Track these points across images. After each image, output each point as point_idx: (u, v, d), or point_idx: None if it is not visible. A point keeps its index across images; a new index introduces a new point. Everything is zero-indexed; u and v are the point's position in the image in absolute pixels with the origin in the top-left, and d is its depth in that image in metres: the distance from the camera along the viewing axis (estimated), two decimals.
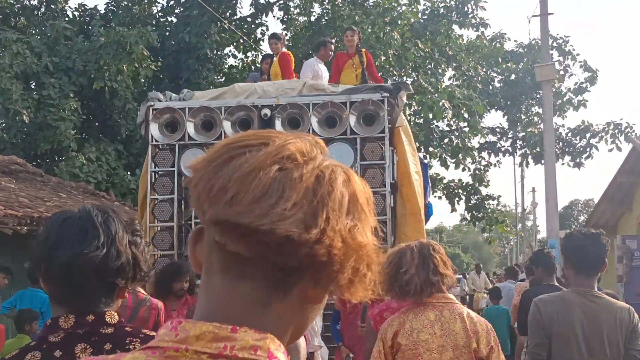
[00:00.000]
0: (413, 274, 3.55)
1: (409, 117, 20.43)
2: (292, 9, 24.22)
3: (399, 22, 19.71)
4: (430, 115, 20.34)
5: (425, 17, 23.85)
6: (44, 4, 22.85)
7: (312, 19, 23.76)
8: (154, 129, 8.18)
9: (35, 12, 22.08)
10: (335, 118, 8.07)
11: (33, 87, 17.39)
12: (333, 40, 11.10)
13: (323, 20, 23.17)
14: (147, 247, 2.05)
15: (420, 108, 19.05)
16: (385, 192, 7.81)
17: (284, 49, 10.64)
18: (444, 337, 3.52)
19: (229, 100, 8.31)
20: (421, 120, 21.39)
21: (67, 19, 21.58)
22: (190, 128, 8.12)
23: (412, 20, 21.66)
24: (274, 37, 10.70)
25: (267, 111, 8.02)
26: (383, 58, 19.27)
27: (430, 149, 22.44)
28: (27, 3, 22.74)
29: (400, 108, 8.12)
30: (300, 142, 1.09)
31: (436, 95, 18.95)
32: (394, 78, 21.61)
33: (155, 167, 8.23)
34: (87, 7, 21.82)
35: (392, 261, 3.63)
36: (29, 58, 16.90)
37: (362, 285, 1.10)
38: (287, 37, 22.85)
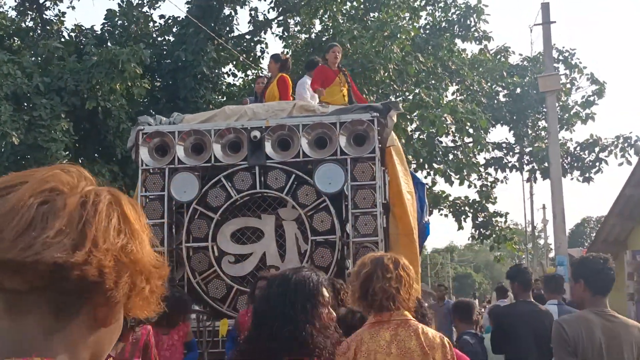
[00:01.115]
0: (381, 286, 3.66)
1: (411, 133, 20.77)
2: (292, 27, 24.67)
3: (399, 35, 20.03)
4: (434, 131, 20.67)
5: (427, 31, 24.23)
6: (40, 25, 23.34)
7: (313, 36, 24.18)
8: (143, 153, 8.49)
9: (31, 33, 22.54)
10: (326, 139, 8.37)
11: (24, 108, 17.72)
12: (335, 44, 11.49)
13: (324, 37, 23.57)
14: None
15: (422, 123, 19.34)
16: (376, 212, 8.09)
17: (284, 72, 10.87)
18: (401, 357, 3.61)
19: (219, 123, 8.62)
20: (424, 136, 21.71)
21: (62, 40, 22.04)
22: (180, 151, 8.44)
23: (413, 34, 22.01)
24: (273, 57, 10.98)
25: (256, 133, 8.33)
26: (383, 73, 19.60)
27: (435, 165, 22.74)
28: (23, 25, 23.23)
29: (390, 128, 8.44)
30: (63, 173, 1.19)
31: (438, 110, 19.25)
32: (397, 94, 22.00)
33: (145, 192, 8.54)
34: (84, 28, 22.24)
35: (361, 272, 3.76)
36: (20, 79, 17.26)
37: (142, 298, 1.21)
38: (287, 54, 23.27)
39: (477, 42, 24.59)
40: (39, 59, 18.99)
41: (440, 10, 25.06)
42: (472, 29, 24.27)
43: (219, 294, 8.33)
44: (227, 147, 8.50)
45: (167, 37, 23.25)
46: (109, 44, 20.18)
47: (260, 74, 11.46)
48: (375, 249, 8.06)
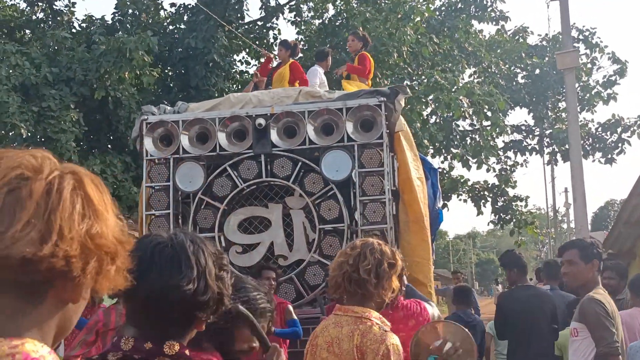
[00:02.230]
0: (359, 272, 3.44)
1: (427, 117, 20.65)
2: (304, 12, 24.57)
3: (412, 17, 19.90)
4: (450, 114, 20.54)
5: (443, 13, 24.06)
6: (50, 16, 23.42)
7: (326, 21, 24.08)
8: (148, 144, 8.49)
9: (42, 24, 22.61)
10: (332, 125, 8.32)
11: (33, 99, 17.79)
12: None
13: (337, 21, 23.48)
14: (231, 281, 2.11)
15: (437, 106, 19.23)
16: (385, 199, 8.04)
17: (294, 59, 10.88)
18: (339, 357, 3.40)
19: (224, 111, 8.60)
20: (440, 120, 21.59)
21: (73, 30, 22.11)
22: (184, 141, 8.43)
23: (427, 15, 21.85)
24: (282, 44, 11.00)
25: (261, 121, 8.30)
26: (396, 56, 19.49)
27: (452, 149, 22.63)
28: (34, 17, 23.32)
29: (398, 112, 8.36)
30: (28, 157, 1.23)
31: (454, 92, 19.11)
32: (412, 77, 21.87)
33: (150, 182, 8.55)
34: (95, 18, 22.27)
35: (339, 259, 3.57)
36: (28, 70, 17.33)
37: (108, 278, 1.27)
38: (300, 40, 23.21)
39: (494, 23, 24.40)
40: (48, 49, 19.02)
41: None
42: (489, 9, 24.07)
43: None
44: (232, 136, 8.48)
45: (178, 25, 23.22)
46: (120, 33, 20.14)
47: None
48: (385, 237, 8.03)
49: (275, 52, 19.78)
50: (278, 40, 24.11)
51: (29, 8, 23.11)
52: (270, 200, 8.49)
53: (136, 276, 1.82)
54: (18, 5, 23.64)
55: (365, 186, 8.11)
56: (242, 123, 8.43)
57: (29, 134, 17.38)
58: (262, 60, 11.12)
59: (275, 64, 11.73)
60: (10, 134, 17.10)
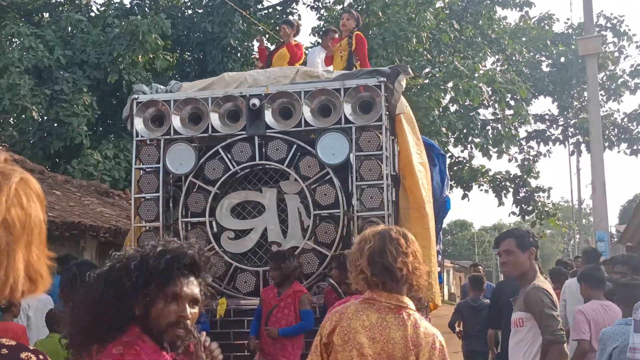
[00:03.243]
0: (403, 260, 3.25)
1: (446, 105, 20.14)
2: None
3: (432, 1, 19.37)
4: (470, 103, 20.02)
5: None
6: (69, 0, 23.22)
7: (345, 4, 23.63)
8: (138, 124, 8.14)
9: (59, 8, 22.40)
10: (329, 106, 7.90)
11: (46, 82, 17.57)
12: (333, 29, 10.98)
13: (357, 7, 23.02)
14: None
15: (456, 93, 18.71)
16: (383, 184, 7.62)
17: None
18: (382, 344, 3.23)
19: (217, 90, 8.21)
20: (460, 108, 21.07)
21: (91, 14, 21.89)
22: (176, 121, 8.06)
23: (448, 0, 21.31)
24: (286, 23, 10.64)
25: (255, 101, 7.90)
26: (416, 42, 18.98)
27: (471, 138, 22.09)
28: (52, 0, 23.13)
29: (399, 93, 7.91)
30: None
31: (474, 80, 18.58)
32: (432, 64, 21.33)
33: (140, 164, 8.20)
34: (113, 2, 21.99)
35: (369, 247, 3.32)
36: (41, 52, 17.10)
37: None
38: (320, 26, 22.80)
39: (518, 9, 23.78)
40: (63, 32, 18.78)
41: None
42: None
43: (217, 272, 7.93)
44: (225, 117, 8.09)
45: (196, 10, 22.90)
46: (138, 17, 19.86)
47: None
48: (382, 223, 7.61)
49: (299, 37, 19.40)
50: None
51: None
52: (264, 185, 8.10)
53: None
54: None
55: (362, 170, 7.68)
56: (235, 103, 8.04)
57: (41, 117, 17.18)
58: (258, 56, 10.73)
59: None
60: (22, 116, 16.90)
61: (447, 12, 23.01)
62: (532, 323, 4.50)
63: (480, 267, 17.10)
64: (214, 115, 8.00)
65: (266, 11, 23.46)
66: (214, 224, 8.03)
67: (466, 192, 23.89)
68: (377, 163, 7.66)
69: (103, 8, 21.93)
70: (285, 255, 7.56)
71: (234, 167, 7.99)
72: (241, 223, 8.08)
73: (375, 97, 7.79)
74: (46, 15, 22.08)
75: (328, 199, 7.76)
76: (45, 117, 17.48)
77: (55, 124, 17.31)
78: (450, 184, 23.92)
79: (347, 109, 7.79)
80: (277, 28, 22.41)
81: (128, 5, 21.94)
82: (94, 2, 23.38)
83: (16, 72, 16.51)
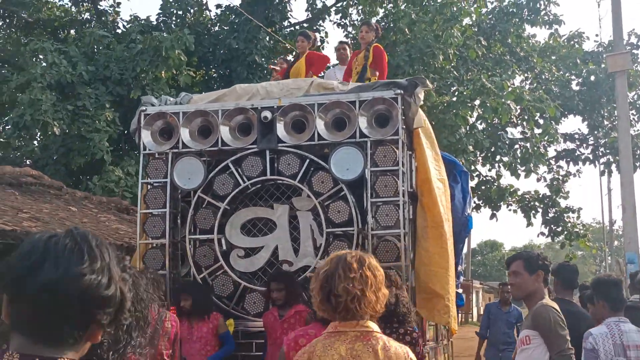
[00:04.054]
0: (344, 286, 3.14)
1: (473, 123, 19.67)
2: (352, 15, 23.88)
3: (460, 18, 18.97)
4: (498, 121, 19.55)
5: (494, 16, 23.07)
6: (95, 16, 23.19)
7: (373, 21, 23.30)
8: (145, 136, 7.81)
9: (86, 24, 22.35)
10: (344, 119, 7.52)
11: (68, 97, 17.42)
12: (346, 41, 10.63)
13: (383, 23, 22.71)
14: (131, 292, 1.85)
15: (483, 111, 18.24)
16: (399, 201, 7.20)
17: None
18: None
19: (228, 103, 7.87)
20: (488, 126, 20.58)
21: (118, 31, 21.82)
22: (185, 134, 7.72)
23: (475, 17, 20.90)
24: (303, 35, 10.34)
25: (267, 114, 7.54)
26: (442, 58, 18.57)
27: (499, 157, 21.58)
28: (79, 17, 23.13)
29: (416, 106, 7.50)
30: None
31: (502, 97, 18.11)
32: (459, 81, 20.90)
33: (147, 179, 7.86)
34: (140, 19, 21.88)
35: (320, 272, 3.25)
36: (64, 68, 16.95)
37: None
38: (349, 43, 22.49)
39: (548, 27, 23.26)
40: (87, 48, 18.65)
41: None
42: (542, 13, 22.96)
43: (225, 292, 7.56)
44: (236, 130, 7.74)
45: (222, 27, 22.71)
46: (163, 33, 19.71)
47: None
48: (397, 242, 7.20)
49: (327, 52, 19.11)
50: (326, 43, 23.63)
51: (74, 8, 22.90)
52: (275, 201, 7.71)
53: (25, 270, 1.65)
54: (65, 5, 23.52)
55: (378, 187, 7.27)
56: (247, 116, 7.69)
57: (63, 133, 17.01)
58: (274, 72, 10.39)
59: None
60: (44, 132, 16.75)
61: (475, 29, 22.61)
62: (540, 341, 4.42)
63: (509, 287, 16.50)
64: (224, 128, 7.66)
65: (292, 28, 23.20)
66: (223, 241, 7.67)
67: (494, 211, 23.34)
68: (393, 179, 7.25)
69: (129, 25, 21.84)
70: (291, 274, 7.23)
71: (245, 182, 7.62)
72: (251, 241, 7.71)
73: (391, 110, 7.40)
74: (72, 32, 22.03)
75: (342, 216, 7.36)
76: (67, 133, 17.28)
77: (77, 140, 17.11)
78: (478, 204, 23.42)
79: (363, 122, 7.41)
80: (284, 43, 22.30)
81: (154, 22, 21.83)
82: (121, 19, 23.16)
83: (38, 87, 16.35)
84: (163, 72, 17.30)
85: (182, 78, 17.57)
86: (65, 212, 11.39)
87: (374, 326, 3.22)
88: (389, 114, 7.42)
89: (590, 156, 24.00)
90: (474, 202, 23.48)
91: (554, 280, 6.85)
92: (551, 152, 23.21)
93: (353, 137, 7.40)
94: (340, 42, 10.66)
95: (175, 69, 17.40)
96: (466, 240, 9.62)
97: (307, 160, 7.53)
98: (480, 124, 21.25)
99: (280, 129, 7.56)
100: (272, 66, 11.06)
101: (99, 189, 16.32)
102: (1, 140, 18.68)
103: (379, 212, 7.25)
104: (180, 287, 7.52)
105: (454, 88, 20.21)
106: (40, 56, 17.81)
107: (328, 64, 11.96)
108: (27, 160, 19.01)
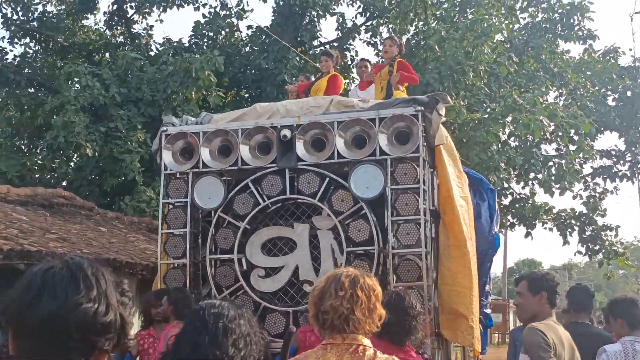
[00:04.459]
0: (332, 304, 3.24)
1: (505, 139, 19.43)
2: (384, 34, 23.85)
3: (490, 34, 18.78)
4: (530, 138, 19.28)
5: (526, 32, 22.85)
6: (128, 39, 23.48)
7: (404, 41, 23.23)
8: (166, 156, 7.82)
9: (120, 47, 22.63)
10: (364, 137, 7.43)
11: (100, 119, 17.60)
12: (367, 58, 10.52)
13: (413, 41, 22.66)
14: (133, 314, 1.77)
15: (515, 128, 18.00)
16: (420, 220, 7.07)
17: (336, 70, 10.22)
18: None
19: (247, 122, 7.83)
20: (520, 143, 20.30)
21: (150, 53, 22.06)
22: (205, 154, 7.70)
23: (506, 33, 20.71)
24: (325, 54, 10.34)
25: (286, 132, 7.49)
26: (473, 75, 18.38)
27: (533, 174, 21.26)
28: (113, 40, 23.43)
29: (438, 123, 7.39)
30: None
31: (534, 113, 17.85)
32: (491, 98, 20.70)
33: (168, 198, 7.85)
34: (173, 41, 22.08)
35: (315, 288, 3.41)
36: (97, 90, 17.14)
37: None
38: (370, 60, 22.43)
39: (582, 42, 22.95)
40: (120, 70, 18.84)
41: (542, 10, 23.62)
42: (576, 28, 22.67)
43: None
44: (255, 149, 7.70)
45: (254, 47, 22.82)
46: (196, 55, 19.86)
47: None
48: (419, 262, 7.06)
49: (355, 77, 19.07)
50: (356, 61, 23.53)
51: (108, 31, 23.19)
52: (296, 220, 7.63)
53: (25, 304, 1.69)
54: (100, 29, 23.83)
55: (398, 205, 7.16)
56: (266, 135, 7.65)
57: (95, 154, 17.17)
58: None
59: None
60: (77, 153, 16.93)
61: (508, 45, 22.40)
62: None
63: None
64: (243, 147, 7.62)
65: (322, 48, 23.20)
66: (243, 261, 7.60)
67: (529, 230, 22.95)
68: (414, 197, 7.14)
69: (162, 47, 22.06)
70: None
71: (264, 202, 7.56)
72: (272, 260, 7.62)
73: (412, 127, 7.29)
74: (106, 55, 22.30)
75: (362, 235, 7.25)
76: (99, 154, 17.45)
77: (110, 161, 17.26)
78: (513, 222, 23.08)
79: (383, 139, 7.32)
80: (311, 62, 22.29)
81: (186, 44, 22.01)
82: (154, 41, 23.41)
83: (72, 109, 16.55)
84: (193, 93, 17.41)
85: (212, 99, 17.62)
86: (94, 233, 11.45)
87: (365, 341, 3.26)
88: (410, 131, 7.32)
89: (628, 173, 23.54)
90: (508, 220, 23.17)
91: (567, 304, 6.74)
92: (587, 169, 22.82)
93: (373, 155, 7.31)
94: (362, 60, 10.62)
95: (205, 90, 17.48)
96: (494, 258, 9.40)
97: (327, 179, 7.45)
98: (514, 140, 20.99)
99: (300, 148, 7.50)
100: (288, 87, 11.02)
101: (131, 209, 16.41)
102: (38, 162, 18.87)
103: (399, 231, 7.14)
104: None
105: (486, 105, 19.99)
106: (75, 79, 18.01)
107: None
108: (63, 182, 19.21)
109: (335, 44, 23.48)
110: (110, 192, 18.22)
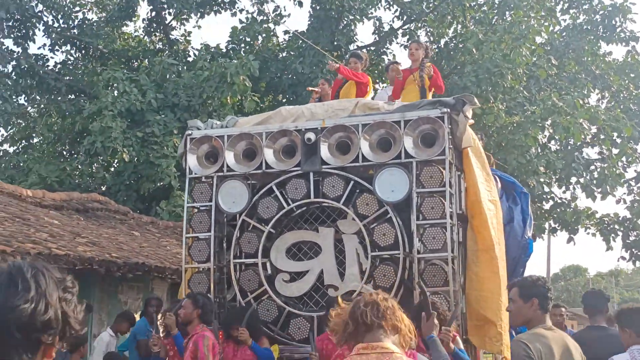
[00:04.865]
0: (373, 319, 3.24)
1: (545, 143, 19.10)
2: (421, 37, 23.66)
3: (529, 36, 18.49)
4: (570, 140, 18.93)
5: (567, 34, 22.47)
6: (167, 46, 23.66)
7: (442, 44, 23.05)
8: (191, 160, 7.79)
9: (159, 54, 22.81)
10: (389, 140, 7.31)
11: (137, 124, 17.74)
12: (398, 61, 10.27)
13: (451, 44, 22.46)
14: (81, 307, 1.99)
15: (554, 131, 17.68)
16: (446, 224, 6.93)
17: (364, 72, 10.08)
18: None
19: (272, 125, 7.77)
20: (561, 147, 19.94)
21: (188, 59, 22.20)
22: (229, 158, 7.65)
23: (545, 35, 20.37)
24: (355, 56, 10.20)
25: (311, 135, 7.40)
26: (510, 78, 18.11)
27: (575, 178, 20.85)
28: (151, 47, 23.63)
29: (464, 125, 7.23)
30: None
31: (574, 116, 17.52)
32: (530, 101, 20.38)
33: (192, 202, 7.82)
34: (211, 47, 22.18)
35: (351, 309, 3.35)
36: (134, 96, 17.28)
37: None
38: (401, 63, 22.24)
39: (624, 44, 22.49)
40: (157, 76, 18.99)
41: (583, 12, 23.23)
42: (618, 30, 22.22)
43: (270, 317, 7.39)
44: (280, 152, 7.62)
45: (290, 52, 22.82)
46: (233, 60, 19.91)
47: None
48: (445, 266, 6.91)
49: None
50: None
51: (146, 38, 23.38)
52: (321, 224, 7.53)
53: None
54: (139, 36, 24.06)
55: (424, 209, 7.02)
56: (290, 138, 7.57)
57: (131, 159, 17.31)
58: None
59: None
60: (114, 158, 17.08)
61: (548, 47, 22.05)
62: None
63: (561, 309, 15.83)
64: (268, 150, 7.56)
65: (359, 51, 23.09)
66: (268, 265, 7.53)
67: (572, 235, 22.52)
68: (440, 200, 6.99)
69: (200, 53, 22.17)
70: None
71: (288, 206, 7.48)
72: (297, 265, 7.54)
73: (438, 130, 7.15)
74: (145, 61, 22.51)
75: (387, 240, 7.12)
76: (137, 160, 17.59)
77: (147, 166, 17.38)
78: (554, 227, 22.67)
79: (408, 142, 7.19)
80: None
81: (224, 50, 22.09)
82: (192, 47, 23.54)
83: (109, 115, 16.71)
84: (229, 98, 17.44)
85: (247, 103, 17.64)
86: (126, 237, 11.50)
87: (394, 347, 3.25)
88: (435, 134, 7.18)
89: None
90: (550, 225, 22.77)
91: (583, 309, 6.59)
92: (631, 172, 22.29)
93: (398, 158, 7.19)
94: (393, 62, 10.44)
95: (241, 95, 17.50)
96: (529, 264, 9.17)
97: (352, 182, 7.34)
98: (556, 144, 20.62)
99: (324, 151, 7.41)
100: (310, 88, 10.89)
101: (166, 214, 16.50)
102: (77, 167, 19.10)
103: (425, 235, 7.00)
104: (231, 316, 7.31)
105: (525, 108, 19.67)
106: (113, 85, 18.20)
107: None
108: (102, 187, 19.40)
109: (372, 48, 23.35)
110: (147, 196, 18.37)
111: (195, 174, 7.82)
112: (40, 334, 1.83)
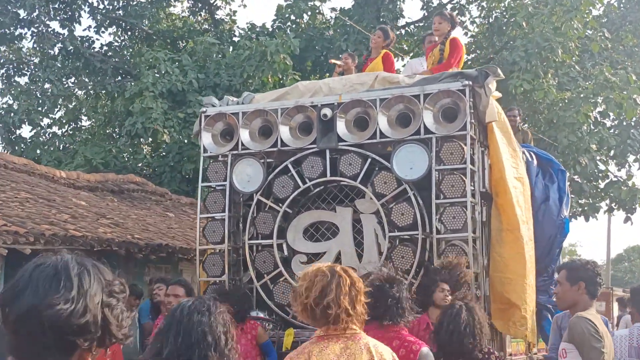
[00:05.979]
0: (334, 299, 3.33)
1: (598, 119, 18.40)
2: (471, 11, 23.08)
3: (581, 8, 17.74)
4: (623, 116, 18.18)
5: (624, 6, 21.59)
6: (212, 25, 23.56)
7: (492, 19, 22.39)
8: (206, 138, 7.59)
9: (205, 34, 22.73)
10: (409, 115, 6.98)
11: (179, 105, 17.68)
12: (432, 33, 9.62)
13: (504, 19, 21.78)
14: (128, 314, 1.89)
15: (607, 107, 16.99)
16: (467, 202, 6.58)
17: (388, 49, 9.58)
18: None
19: (287, 101, 7.50)
20: (615, 123, 19.20)
21: (235, 39, 22.06)
22: (244, 135, 7.43)
23: (600, 6, 19.56)
24: (382, 30, 9.70)
25: (327, 111, 7.11)
26: (561, 52, 17.43)
27: (631, 157, 20.09)
28: (197, 27, 23.56)
29: (488, 98, 6.84)
30: None
31: (628, 89, 16.80)
32: (587, 76, 19.66)
33: (207, 181, 7.63)
34: (257, 26, 21.98)
35: (313, 285, 3.39)
36: (175, 77, 17.20)
37: None
38: (466, 42, 21.70)
39: None
40: (199, 56, 18.89)
41: None
42: None
43: (285, 299, 7.16)
44: (297, 129, 7.36)
45: (336, 30, 22.45)
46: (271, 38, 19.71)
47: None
48: (466, 247, 6.58)
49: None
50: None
51: (191, 17, 23.31)
52: (339, 203, 7.26)
53: (9, 298, 1.74)
54: (185, 16, 24.01)
55: (444, 187, 6.69)
56: (306, 114, 7.30)
57: (173, 140, 17.28)
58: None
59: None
60: (155, 139, 17.07)
61: (605, 20, 21.23)
62: (575, 353, 4.30)
63: None
64: (283, 127, 7.30)
65: (407, 29, 22.64)
66: (284, 246, 7.29)
67: (629, 214, 21.73)
68: (460, 178, 6.65)
69: (246, 32, 21.98)
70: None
71: (303, 185, 7.22)
72: (314, 246, 7.30)
73: (459, 103, 6.79)
74: (190, 42, 22.45)
75: (405, 219, 6.82)
76: (180, 140, 17.56)
77: (188, 147, 17.33)
78: (611, 206, 21.91)
79: (428, 117, 6.85)
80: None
81: (270, 29, 21.87)
82: (237, 27, 23.38)
83: (150, 96, 16.66)
84: (269, 76, 17.22)
85: (288, 82, 17.39)
86: (156, 218, 11.40)
87: (359, 330, 3.41)
88: (457, 108, 6.83)
89: None
90: (606, 205, 22.02)
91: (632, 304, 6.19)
92: None
93: (417, 134, 6.87)
94: (428, 34, 9.97)
95: (281, 74, 17.26)
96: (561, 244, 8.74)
97: (369, 160, 7.04)
98: (610, 120, 19.86)
99: (341, 127, 7.12)
100: (332, 60, 10.50)
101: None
102: (119, 148, 19.15)
103: (445, 214, 6.68)
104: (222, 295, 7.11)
105: (578, 83, 18.97)
106: (156, 65, 18.17)
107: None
108: (145, 168, 19.45)
109: (420, 24, 22.83)
110: (190, 178, 18.32)
111: (210, 152, 7.62)
112: (75, 337, 1.72)
